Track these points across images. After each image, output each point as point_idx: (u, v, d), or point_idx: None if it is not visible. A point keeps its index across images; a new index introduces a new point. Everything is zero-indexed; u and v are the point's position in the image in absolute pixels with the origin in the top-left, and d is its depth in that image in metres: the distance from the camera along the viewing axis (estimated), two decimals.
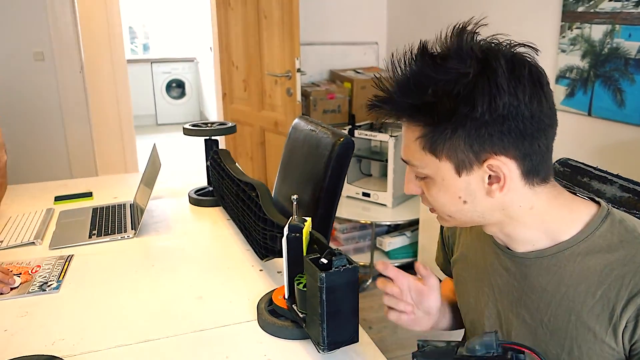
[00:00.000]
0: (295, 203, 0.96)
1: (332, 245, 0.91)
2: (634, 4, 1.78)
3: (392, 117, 0.72)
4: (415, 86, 0.68)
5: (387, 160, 2.81)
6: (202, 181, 1.80)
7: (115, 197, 1.74)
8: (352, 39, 3.56)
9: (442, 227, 0.99)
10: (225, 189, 1.44)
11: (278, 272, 1.22)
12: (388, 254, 2.80)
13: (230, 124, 1.71)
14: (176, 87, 6.93)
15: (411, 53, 0.69)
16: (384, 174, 3.07)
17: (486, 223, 0.76)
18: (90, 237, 1.41)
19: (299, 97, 2.76)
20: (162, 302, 1.10)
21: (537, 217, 0.73)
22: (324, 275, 0.80)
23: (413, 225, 2.84)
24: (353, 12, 3.49)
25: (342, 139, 1.45)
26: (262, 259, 1.19)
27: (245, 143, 3.30)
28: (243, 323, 1.02)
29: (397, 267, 0.86)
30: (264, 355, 0.92)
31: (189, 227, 1.52)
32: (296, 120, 1.78)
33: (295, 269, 0.96)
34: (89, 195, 1.76)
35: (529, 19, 2.29)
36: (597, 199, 0.75)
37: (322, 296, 0.81)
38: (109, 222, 1.50)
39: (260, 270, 1.24)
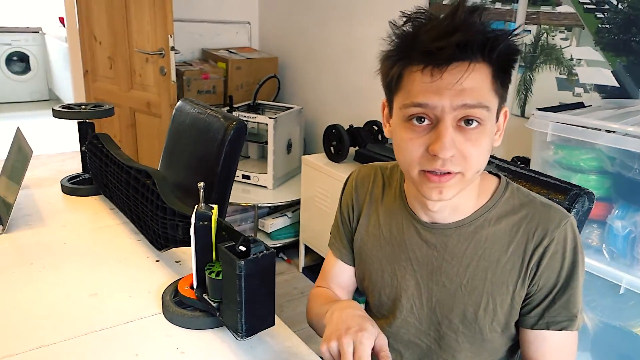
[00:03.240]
0: (202, 191, 0.93)
1: None
2: None
3: (463, 56, 0.67)
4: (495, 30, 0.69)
5: (266, 142, 2.82)
6: (73, 168, 1.66)
7: None
8: (224, 17, 3.47)
9: (341, 212, 1.01)
10: (109, 177, 1.34)
11: (176, 262, 1.18)
12: (271, 235, 2.83)
13: (107, 106, 1.59)
14: (18, 61, 6.17)
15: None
16: (262, 156, 3.08)
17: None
18: None
19: (173, 76, 2.64)
20: (51, 304, 1.00)
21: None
22: (242, 262, 0.80)
23: (294, 205, 2.90)
24: None
25: (234, 123, 1.42)
26: (160, 249, 1.14)
27: (112, 125, 3.07)
28: (148, 317, 0.98)
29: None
30: (176, 349, 0.89)
31: (66, 218, 1.39)
32: (180, 103, 1.71)
33: (204, 258, 0.94)
34: None
35: None
36: (494, 172, 0.86)
37: (241, 283, 0.81)
38: None
39: (157, 261, 1.19)
